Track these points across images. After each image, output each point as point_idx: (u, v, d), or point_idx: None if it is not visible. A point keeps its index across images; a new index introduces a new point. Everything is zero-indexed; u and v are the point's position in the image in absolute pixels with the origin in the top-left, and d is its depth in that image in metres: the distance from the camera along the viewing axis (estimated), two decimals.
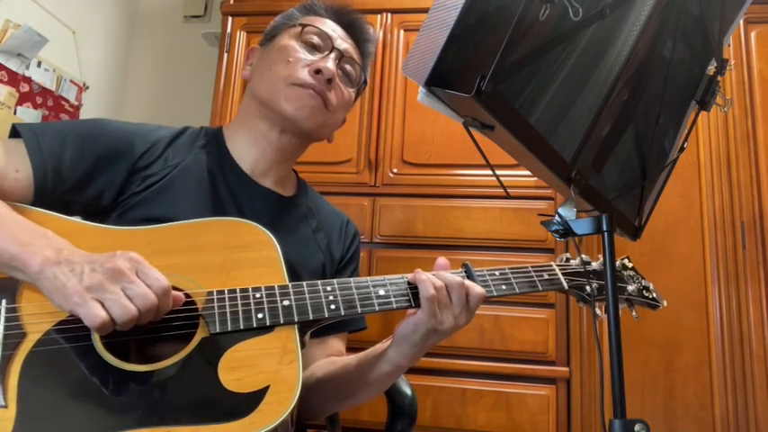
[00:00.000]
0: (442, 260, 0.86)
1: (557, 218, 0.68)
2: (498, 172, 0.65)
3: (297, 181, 1.06)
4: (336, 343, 1.01)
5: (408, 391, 1.06)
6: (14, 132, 0.83)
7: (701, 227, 1.71)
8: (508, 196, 1.76)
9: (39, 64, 2.04)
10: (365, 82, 1.04)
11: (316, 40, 0.96)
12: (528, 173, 0.70)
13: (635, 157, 0.76)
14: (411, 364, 0.85)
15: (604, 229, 0.65)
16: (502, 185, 0.69)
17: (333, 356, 0.98)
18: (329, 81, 0.93)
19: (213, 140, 0.97)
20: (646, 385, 1.64)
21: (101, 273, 0.64)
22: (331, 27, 0.98)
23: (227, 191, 0.92)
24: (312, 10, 1.01)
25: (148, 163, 0.88)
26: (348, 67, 0.98)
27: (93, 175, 0.84)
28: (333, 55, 0.95)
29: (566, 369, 1.64)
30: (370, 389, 0.90)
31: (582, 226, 0.67)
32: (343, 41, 0.98)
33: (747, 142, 1.74)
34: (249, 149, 0.96)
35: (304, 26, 0.96)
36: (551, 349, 1.65)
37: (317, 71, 0.92)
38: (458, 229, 1.77)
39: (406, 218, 1.80)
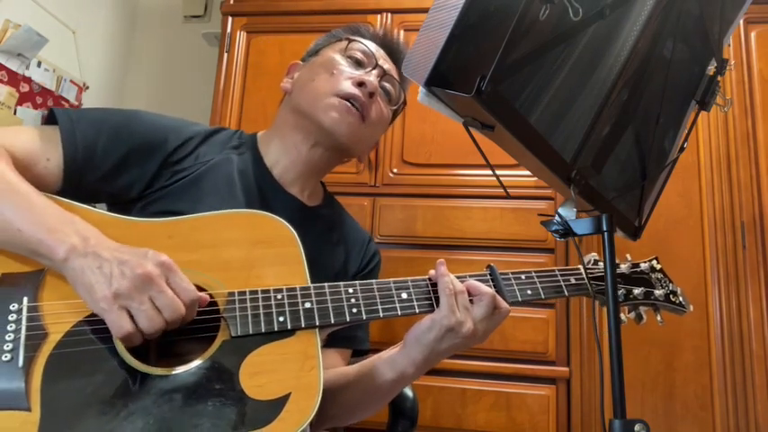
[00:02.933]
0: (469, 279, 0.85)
1: (557, 218, 0.68)
2: (498, 172, 0.65)
3: (324, 194, 1.06)
4: (335, 358, 0.97)
5: (410, 393, 1.06)
6: (51, 116, 0.83)
7: (701, 227, 1.71)
8: (508, 196, 1.75)
9: (39, 64, 2.04)
10: (404, 102, 1.05)
11: (359, 56, 0.97)
12: (528, 173, 0.70)
13: (635, 157, 0.76)
14: (416, 375, 0.83)
15: (604, 229, 0.65)
16: (502, 185, 0.69)
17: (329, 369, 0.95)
18: (371, 95, 0.93)
19: (247, 143, 0.98)
20: (646, 385, 1.64)
21: (130, 278, 0.64)
22: (374, 48, 1.00)
23: (256, 191, 0.92)
24: (357, 32, 1.02)
25: (180, 158, 0.88)
26: (388, 85, 0.99)
27: (124, 167, 0.84)
28: (375, 71, 0.96)
29: (566, 369, 1.64)
30: (370, 399, 0.88)
31: (582, 226, 0.67)
32: (385, 62, 0.99)
33: (747, 142, 1.74)
34: (280, 157, 0.96)
35: (350, 40, 0.98)
36: (551, 349, 1.65)
37: (361, 83, 0.92)
38: (458, 229, 1.77)
39: (406, 218, 1.80)
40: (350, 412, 0.90)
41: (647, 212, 0.82)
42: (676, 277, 1.69)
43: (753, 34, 1.82)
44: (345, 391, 0.88)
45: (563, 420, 1.61)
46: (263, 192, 0.93)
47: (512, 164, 0.82)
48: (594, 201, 0.69)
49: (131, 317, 0.64)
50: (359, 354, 1.01)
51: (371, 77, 0.94)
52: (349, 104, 0.91)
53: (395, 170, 1.86)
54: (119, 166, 0.83)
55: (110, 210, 0.78)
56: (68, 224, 0.69)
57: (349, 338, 0.98)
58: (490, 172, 0.66)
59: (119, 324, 0.62)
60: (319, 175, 1.02)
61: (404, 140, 1.88)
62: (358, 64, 0.97)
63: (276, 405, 0.66)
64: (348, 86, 0.92)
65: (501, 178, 0.67)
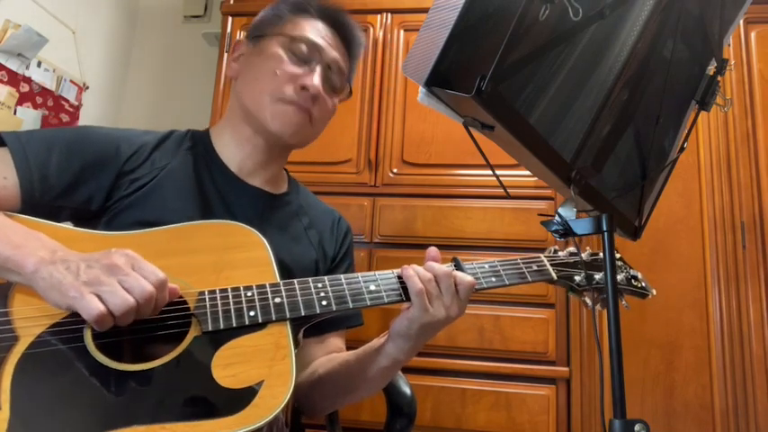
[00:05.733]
0: (433, 249, 0.86)
1: (557, 218, 0.68)
2: (498, 172, 0.65)
3: (288, 179, 1.07)
4: (335, 340, 1.02)
5: (408, 390, 1.06)
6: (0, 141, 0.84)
7: (701, 227, 1.71)
8: (508, 196, 1.76)
9: (39, 64, 2.04)
10: (350, 93, 1.04)
11: (304, 49, 0.94)
12: (528, 173, 0.70)
13: (635, 157, 0.76)
14: (409, 358, 0.86)
15: (604, 229, 0.65)
16: (502, 185, 0.69)
17: (332, 353, 1.00)
18: (314, 97, 0.93)
19: (200, 142, 0.98)
20: (646, 385, 1.64)
21: (97, 268, 0.65)
22: (320, 32, 0.96)
23: (214, 190, 0.93)
24: (302, 8, 0.98)
25: (135, 166, 0.89)
26: (334, 77, 0.98)
27: (80, 182, 0.85)
28: (319, 68, 0.94)
29: (566, 369, 1.64)
30: (370, 384, 0.91)
31: (582, 226, 0.67)
32: (331, 49, 0.96)
33: (747, 142, 1.74)
34: (235, 151, 0.97)
35: (292, 38, 0.95)
36: (551, 349, 1.65)
37: (303, 87, 0.92)
38: (458, 229, 1.77)
39: (406, 218, 1.80)
40: (349, 395, 0.94)
41: (647, 212, 0.81)
42: (676, 277, 1.70)
43: (753, 34, 1.82)
44: (348, 377, 0.92)
45: (563, 420, 1.61)
46: (223, 189, 0.94)
47: (512, 164, 0.82)
48: (594, 201, 0.69)
49: (102, 302, 0.64)
50: (352, 328, 1.06)
51: (315, 79, 0.92)
52: (293, 108, 0.92)
53: (395, 170, 1.86)
54: (75, 182, 0.84)
55: (76, 227, 0.80)
56: (34, 239, 0.70)
57: (343, 319, 1.02)
58: (490, 172, 0.66)
59: (90, 306, 0.63)
60: (278, 162, 1.02)
61: (404, 140, 1.88)
62: (302, 59, 0.94)
63: (249, 392, 0.67)
64: (290, 91, 0.91)
65: (501, 178, 0.67)
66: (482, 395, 1.64)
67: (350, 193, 1.85)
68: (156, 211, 0.85)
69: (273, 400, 0.67)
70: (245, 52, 1.00)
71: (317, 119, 0.96)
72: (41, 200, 0.81)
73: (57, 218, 0.81)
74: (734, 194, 1.71)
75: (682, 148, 0.83)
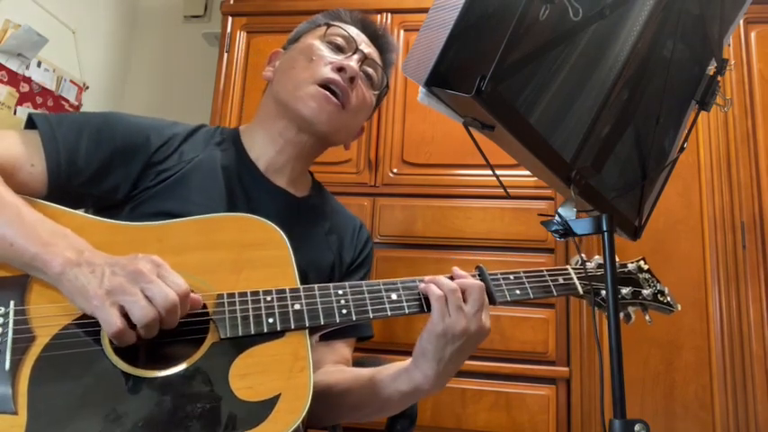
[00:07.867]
0: (456, 269, 0.84)
1: (557, 218, 0.68)
2: (498, 172, 0.65)
3: (312, 182, 1.05)
4: (344, 349, 0.99)
5: None
6: (30, 122, 0.82)
7: (701, 227, 1.71)
8: (508, 196, 1.75)
9: (39, 64, 2.04)
10: (387, 86, 1.03)
11: (340, 41, 0.95)
12: (528, 173, 0.70)
13: (635, 157, 0.76)
14: (431, 388, 0.81)
15: (604, 229, 0.65)
16: (502, 185, 0.69)
17: (340, 363, 0.97)
18: (351, 80, 0.92)
19: (229, 138, 0.97)
20: (646, 385, 1.64)
21: (122, 275, 0.64)
22: (355, 32, 0.98)
23: (240, 187, 0.92)
24: (337, 16, 1.00)
25: (163, 157, 0.87)
26: (370, 70, 0.98)
27: (109, 169, 0.83)
28: (356, 56, 0.94)
29: (566, 369, 1.64)
30: (381, 406, 0.87)
31: (582, 226, 0.67)
32: (366, 46, 0.98)
33: (747, 142, 1.74)
34: (266, 147, 0.96)
35: (329, 25, 0.96)
36: (551, 349, 1.65)
37: (340, 69, 0.91)
38: (458, 229, 1.76)
39: (406, 218, 1.80)
40: (357, 412, 0.90)
41: (647, 212, 0.81)
42: (676, 277, 1.70)
43: (753, 34, 1.82)
44: (359, 393, 0.88)
45: (563, 420, 1.61)
46: (249, 186, 0.92)
47: (512, 164, 0.82)
48: (594, 201, 0.69)
49: (125, 315, 0.63)
50: (362, 340, 1.03)
51: (352, 62, 0.92)
52: (328, 93, 0.90)
53: (395, 170, 1.86)
54: (103, 169, 0.83)
55: (97, 215, 0.78)
56: (61, 238, 0.68)
57: (353, 327, 0.98)
58: (490, 172, 0.66)
59: (110, 321, 0.62)
60: (306, 162, 1.01)
61: (404, 140, 1.88)
62: (338, 49, 0.95)
63: (266, 406, 0.66)
64: (327, 72, 0.91)
65: (501, 178, 0.67)
66: (482, 395, 1.64)
67: (350, 193, 1.84)
68: (180, 203, 0.83)
69: (290, 415, 0.66)
70: (281, 57, 1.00)
71: (351, 107, 0.93)
72: (68, 185, 0.80)
73: (80, 205, 0.80)
74: (734, 194, 1.71)
75: (682, 148, 0.83)
